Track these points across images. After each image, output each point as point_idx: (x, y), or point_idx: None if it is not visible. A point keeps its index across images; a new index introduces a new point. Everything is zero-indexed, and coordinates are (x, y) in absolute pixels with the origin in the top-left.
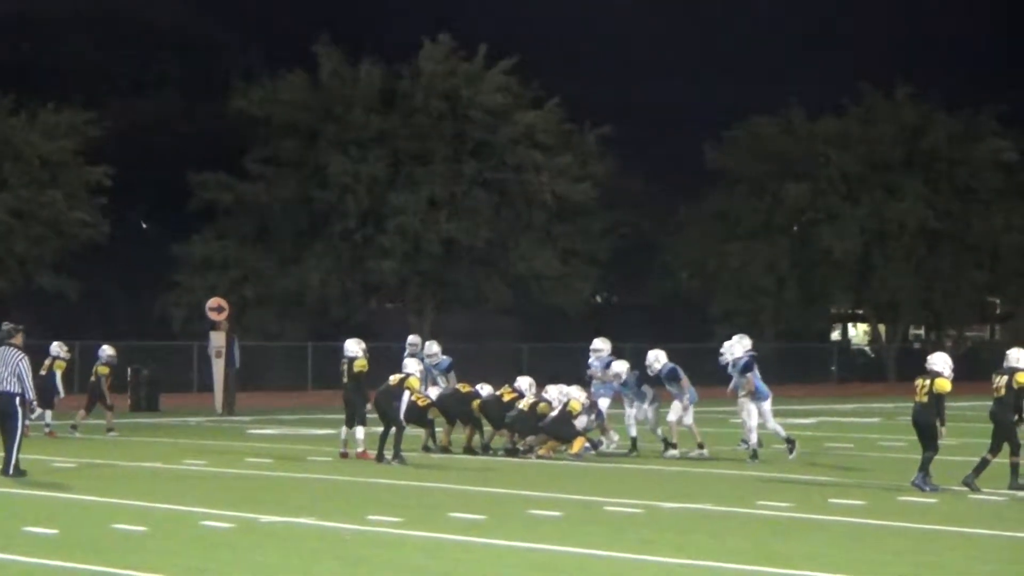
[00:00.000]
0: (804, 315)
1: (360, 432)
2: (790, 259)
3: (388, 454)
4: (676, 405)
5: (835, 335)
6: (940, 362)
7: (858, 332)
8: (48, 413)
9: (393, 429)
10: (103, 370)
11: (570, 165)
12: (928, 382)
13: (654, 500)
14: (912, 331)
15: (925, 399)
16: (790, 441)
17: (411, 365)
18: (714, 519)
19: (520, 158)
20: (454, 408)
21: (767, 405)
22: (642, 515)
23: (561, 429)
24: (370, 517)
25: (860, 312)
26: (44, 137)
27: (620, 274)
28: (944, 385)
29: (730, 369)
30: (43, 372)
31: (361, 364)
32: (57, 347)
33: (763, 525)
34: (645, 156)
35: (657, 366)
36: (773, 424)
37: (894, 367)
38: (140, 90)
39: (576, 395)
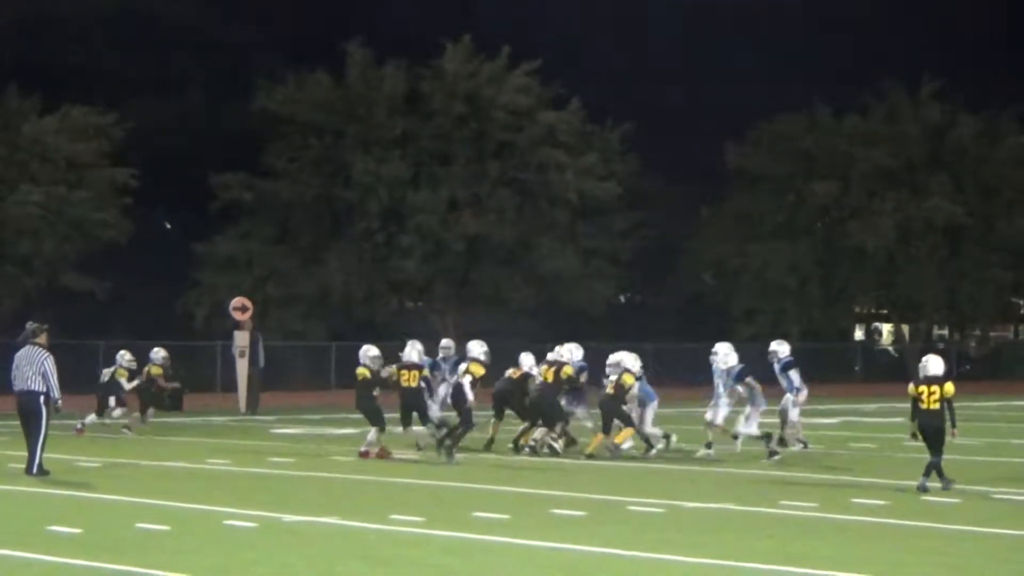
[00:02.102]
0: (827, 314)
1: (372, 434)
2: (813, 258)
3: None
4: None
5: (858, 335)
6: (940, 365)
7: (884, 332)
8: (119, 411)
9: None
10: (156, 371)
11: (593, 165)
12: (936, 388)
13: (677, 500)
14: (936, 331)
15: (936, 406)
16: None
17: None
18: (737, 519)
19: (542, 158)
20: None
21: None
22: (664, 515)
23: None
24: (393, 516)
25: (884, 312)
26: (71, 138)
27: (642, 274)
28: (952, 389)
29: (716, 375)
30: (105, 380)
31: (360, 372)
32: (120, 356)
33: (786, 525)
34: (667, 156)
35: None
36: (750, 428)
37: (917, 367)
38: (164, 90)
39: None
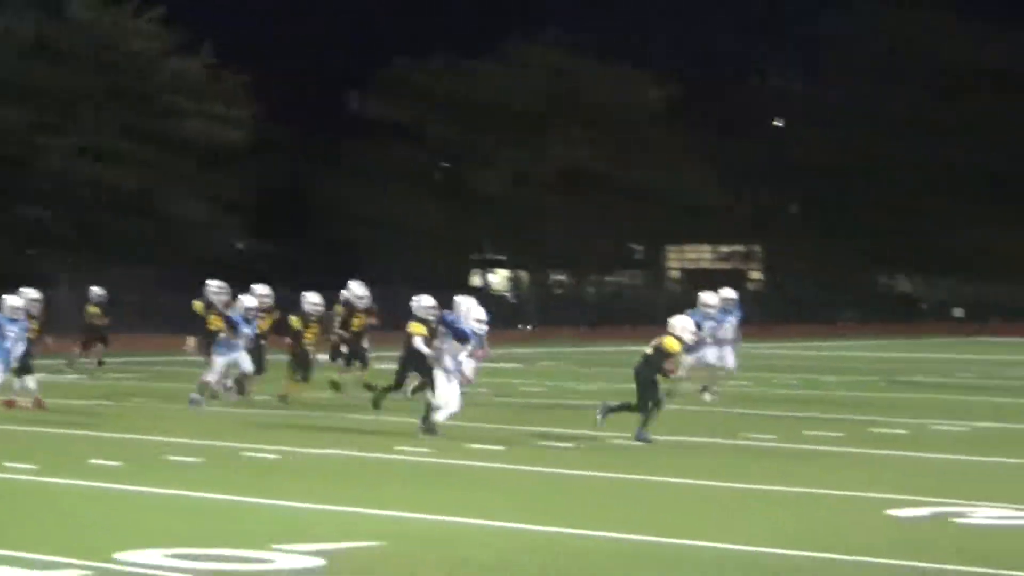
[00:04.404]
0: (450, 261)
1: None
2: (435, 204)
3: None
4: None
5: (476, 281)
6: (679, 324)
7: (499, 278)
8: None
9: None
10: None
11: (218, 111)
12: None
13: (292, 446)
14: (553, 277)
15: (650, 352)
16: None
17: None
18: (351, 464)
19: (168, 105)
20: None
21: None
22: (279, 460)
23: None
24: (6, 464)
25: (502, 258)
26: None
27: (269, 221)
28: (671, 344)
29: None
30: None
31: None
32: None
33: (400, 470)
34: (295, 102)
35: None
36: None
37: (536, 313)
38: None
39: None
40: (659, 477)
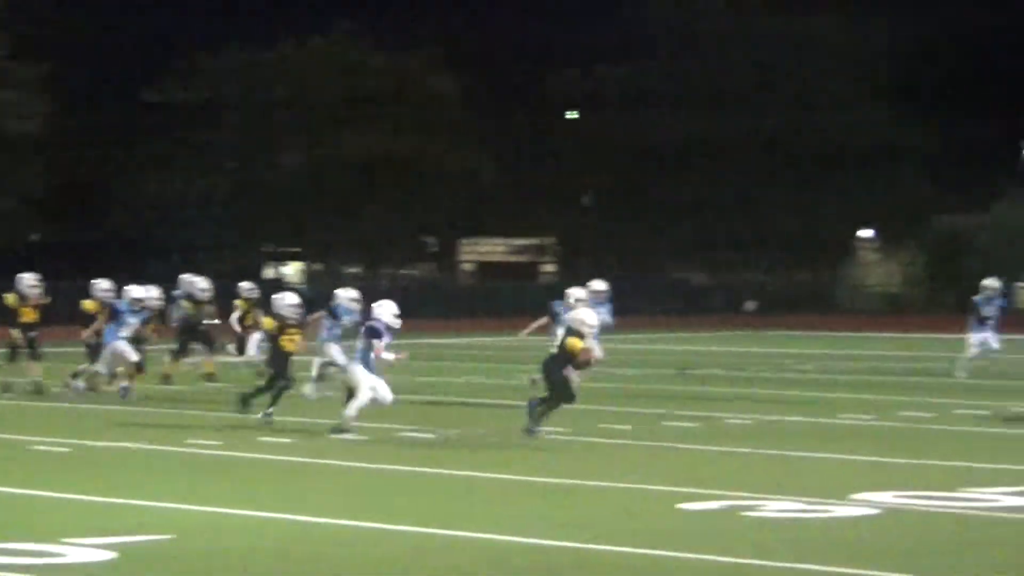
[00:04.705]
0: (242, 253)
1: None
2: (226, 193)
3: None
4: None
5: (270, 273)
6: (576, 317)
7: (293, 270)
8: None
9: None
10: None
11: (12, 101)
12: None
13: (83, 439)
14: (348, 270)
15: (555, 351)
16: None
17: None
18: (143, 457)
19: None
20: None
21: None
22: (70, 453)
23: None
24: None
25: (297, 251)
26: None
27: (64, 211)
28: (573, 344)
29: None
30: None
31: None
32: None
33: (191, 463)
34: (91, 94)
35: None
36: None
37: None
38: None
39: None
40: (448, 470)
